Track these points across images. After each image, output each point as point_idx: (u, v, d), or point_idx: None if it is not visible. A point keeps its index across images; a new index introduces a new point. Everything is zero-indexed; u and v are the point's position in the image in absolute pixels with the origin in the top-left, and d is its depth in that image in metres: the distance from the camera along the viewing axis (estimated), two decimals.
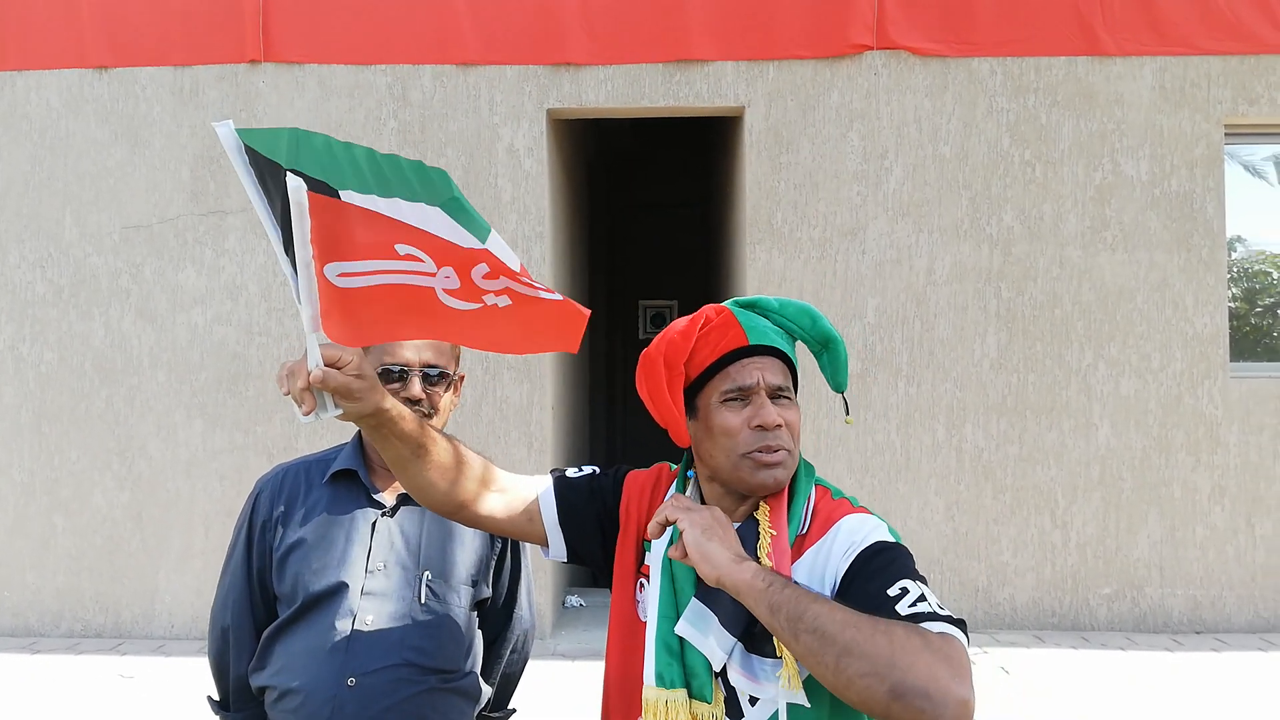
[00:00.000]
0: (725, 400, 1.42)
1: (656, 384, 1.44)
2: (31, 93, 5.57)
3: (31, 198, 5.55)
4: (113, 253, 5.52)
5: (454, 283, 1.33)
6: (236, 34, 5.48)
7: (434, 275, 1.32)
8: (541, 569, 5.31)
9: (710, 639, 1.34)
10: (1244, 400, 5.41)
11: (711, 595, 1.35)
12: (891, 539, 1.36)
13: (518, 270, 1.36)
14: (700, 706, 1.34)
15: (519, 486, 1.56)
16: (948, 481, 5.41)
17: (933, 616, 1.19)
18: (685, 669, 1.36)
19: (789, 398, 1.44)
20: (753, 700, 1.34)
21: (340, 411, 1.31)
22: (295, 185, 1.19)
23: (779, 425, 1.40)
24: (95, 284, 5.52)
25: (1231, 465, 5.39)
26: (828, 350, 1.50)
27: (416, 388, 1.75)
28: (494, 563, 1.90)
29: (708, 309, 1.50)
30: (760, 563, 1.35)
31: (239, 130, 1.27)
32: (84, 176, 5.54)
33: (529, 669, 2.07)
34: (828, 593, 1.33)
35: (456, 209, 1.36)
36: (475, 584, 1.84)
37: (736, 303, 1.50)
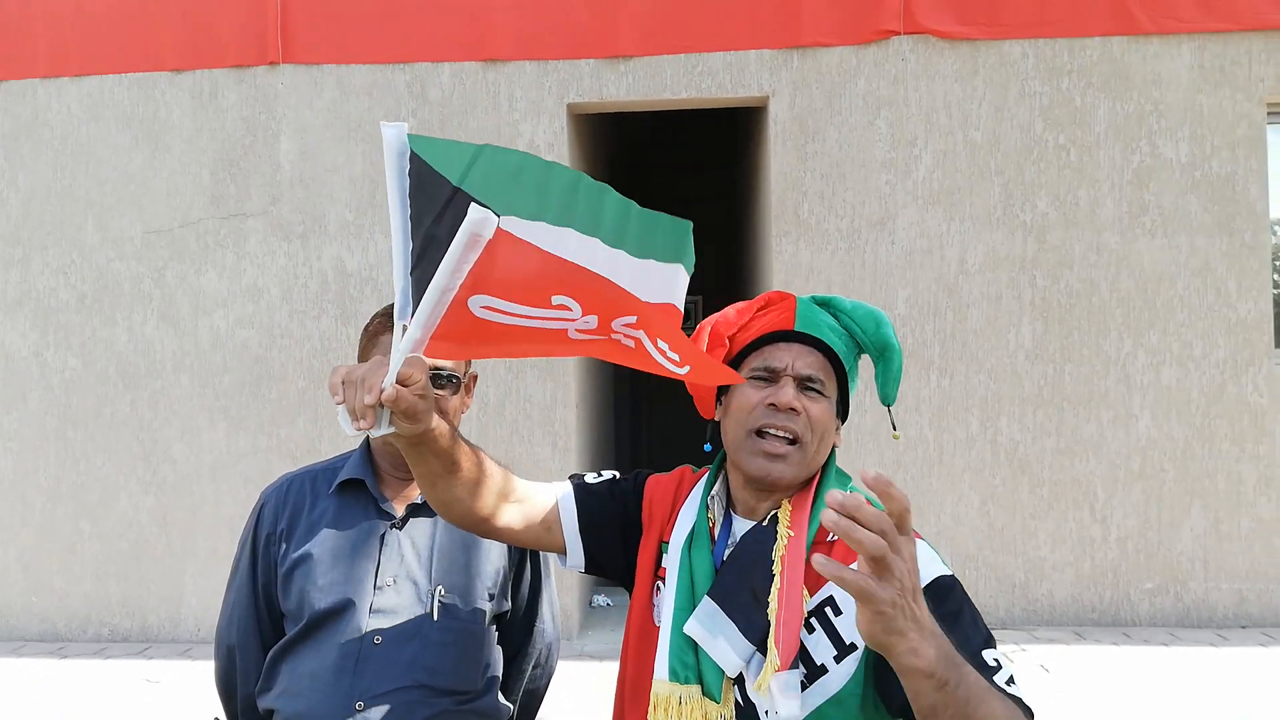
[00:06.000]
0: (752, 377, 1.40)
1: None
2: (53, 100, 5.56)
3: (54, 204, 5.55)
4: (135, 258, 5.50)
5: (591, 324, 1.27)
6: (255, 36, 5.44)
7: (573, 320, 1.27)
8: (568, 570, 5.23)
9: (720, 640, 1.28)
10: None
11: (727, 597, 1.29)
12: (947, 572, 1.29)
13: (675, 330, 1.31)
14: (711, 706, 1.28)
15: (537, 496, 1.50)
16: (982, 475, 5.28)
17: (1020, 701, 1.14)
18: (699, 666, 1.30)
19: (820, 391, 1.38)
20: (768, 713, 1.28)
21: (394, 430, 1.24)
22: (480, 218, 1.10)
23: (792, 408, 1.34)
24: (118, 289, 5.51)
25: (1278, 455, 5.21)
26: (883, 359, 1.45)
27: None
28: (512, 574, 1.80)
29: (774, 293, 1.48)
30: (775, 566, 1.29)
31: (411, 136, 1.22)
32: (105, 182, 5.53)
33: (556, 669, 1.98)
34: None
35: (674, 255, 1.36)
36: (493, 598, 1.74)
37: (813, 297, 1.47)
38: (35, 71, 5.56)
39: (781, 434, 1.35)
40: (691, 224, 1.44)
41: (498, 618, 1.79)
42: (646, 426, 8.90)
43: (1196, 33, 5.21)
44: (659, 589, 1.43)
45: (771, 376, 1.38)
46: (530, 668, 1.86)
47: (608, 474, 1.57)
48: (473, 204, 1.12)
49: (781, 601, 1.27)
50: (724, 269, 8.25)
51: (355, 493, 1.74)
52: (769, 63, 5.29)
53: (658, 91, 5.31)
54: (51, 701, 4.46)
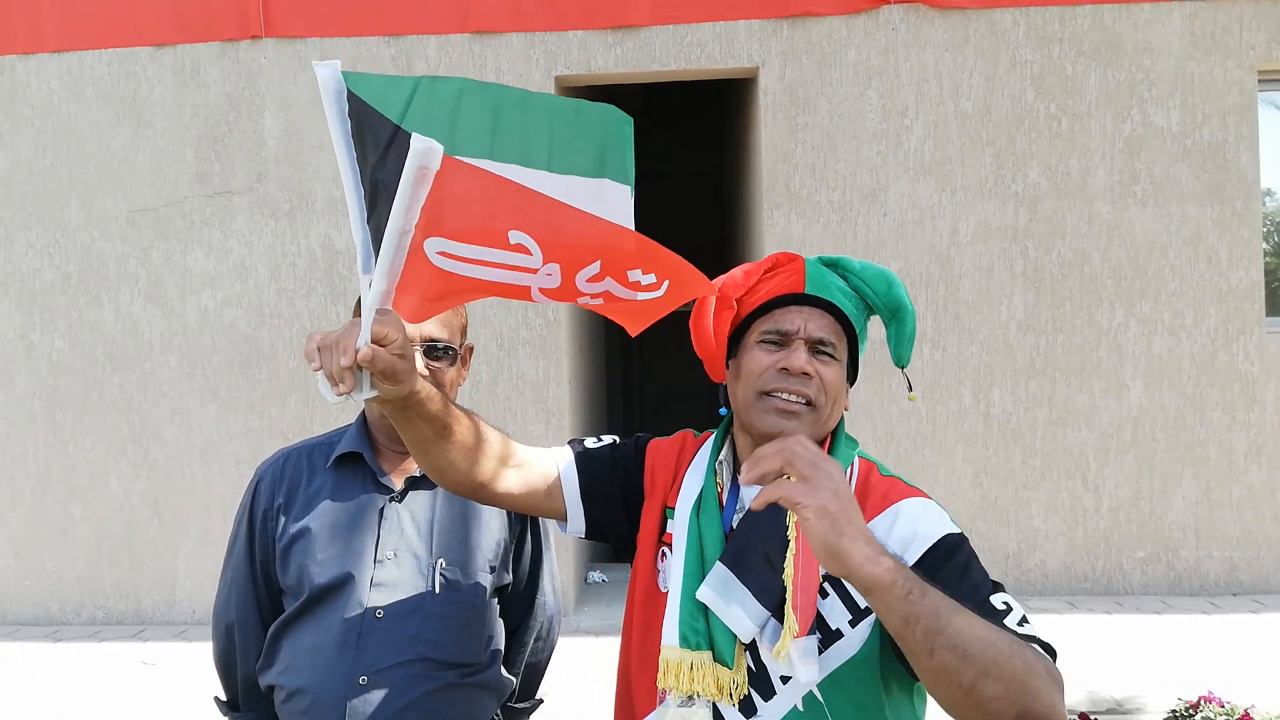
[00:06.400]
0: (762, 340, 1.38)
1: (702, 311, 1.42)
2: (32, 77, 5.47)
3: (36, 184, 5.47)
4: (120, 237, 5.44)
5: (554, 281, 1.22)
6: (236, 10, 5.35)
7: (535, 272, 1.21)
8: (563, 546, 5.23)
9: (734, 607, 1.26)
10: None
11: (740, 562, 1.28)
12: (956, 530, 1.28)
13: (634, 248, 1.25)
14: (723, 672, 1.27)
15: (537, 461, 1.47)
16: (975, 447, 5.29)
17: (1036, 639, 1.14)
18: (710, 631, 1.29)
19: (831, 355, 1.36)
20: (784, 679, 1.27)
21: (375, 394, 1.19)
22: (424, 148, 1.05)
23: (805, 373, 1.32)
24: (103, 269, 5.44)
25: (1268, 423, 5.24)
26: (895, 320, 1.43)
27: (419, 365, 1.60)
28: (513, 546, 1.78)
29: (781, 254, 1.45)
30: (789, 532, 1.27)
31: (346, 74, 1.17)
32: (88, 161, 5.45)
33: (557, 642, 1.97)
34: None
35: (615, 168, 1.28)
36: (494, 570, 1.72)
37: (820, 258, 1.45)
38: (13, 48, 5.47)
39: (794, 398, 1.33)
40: (615, 108, 1.33)
41: (499, 590, 1.77)
42: (640, 403, 8.89)
43: (1187, 0, 5.18)
44: (664, 555, 1.41)
45: (783, 340, 1.36)
46: (532, 640, 1.85)
47: (608, 439, 1.55)
48: (415, 135, 1.07)
49: (798, 567, 1.25)
50: (715, 242, 8.22)
51: (353, 466, 1.71)
52: (759, 33, 5.24)
53: (646, 63, 5.26)
54: (48, 685, 4.45)
